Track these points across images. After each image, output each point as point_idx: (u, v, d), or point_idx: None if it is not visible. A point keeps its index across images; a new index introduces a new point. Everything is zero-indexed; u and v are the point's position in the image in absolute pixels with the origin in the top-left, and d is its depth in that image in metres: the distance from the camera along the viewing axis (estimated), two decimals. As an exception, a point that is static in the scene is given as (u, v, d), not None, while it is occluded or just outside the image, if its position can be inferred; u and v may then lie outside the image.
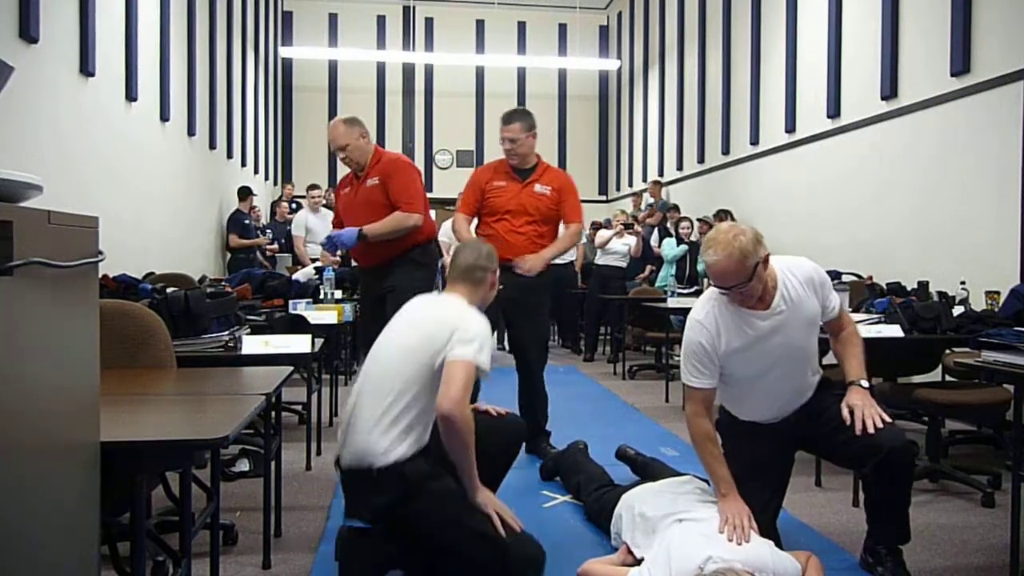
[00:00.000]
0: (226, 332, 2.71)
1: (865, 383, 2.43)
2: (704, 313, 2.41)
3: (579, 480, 3.09)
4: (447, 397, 2.03)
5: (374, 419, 2.11)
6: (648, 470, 3.23)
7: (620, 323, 7.18)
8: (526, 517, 3.00)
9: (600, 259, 7.83)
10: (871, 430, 2.27)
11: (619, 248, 7.76)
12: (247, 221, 8.43)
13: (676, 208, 8.68)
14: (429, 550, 2.16)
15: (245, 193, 8.62)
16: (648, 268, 8.34)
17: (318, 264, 5.07)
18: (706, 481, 2.61)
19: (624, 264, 7.85)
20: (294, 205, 9.70)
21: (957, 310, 3.43)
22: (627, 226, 7.95)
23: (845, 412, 2.34)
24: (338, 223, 3.90)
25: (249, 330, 2.89)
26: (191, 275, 5.52)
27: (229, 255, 8.46)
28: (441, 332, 2.14)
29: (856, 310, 3.52)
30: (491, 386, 3.75)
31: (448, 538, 2.11)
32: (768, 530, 2.35)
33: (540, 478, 3.47)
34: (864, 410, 2.32)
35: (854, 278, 4.98)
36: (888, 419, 2.31)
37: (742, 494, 2.31)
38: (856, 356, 2.51)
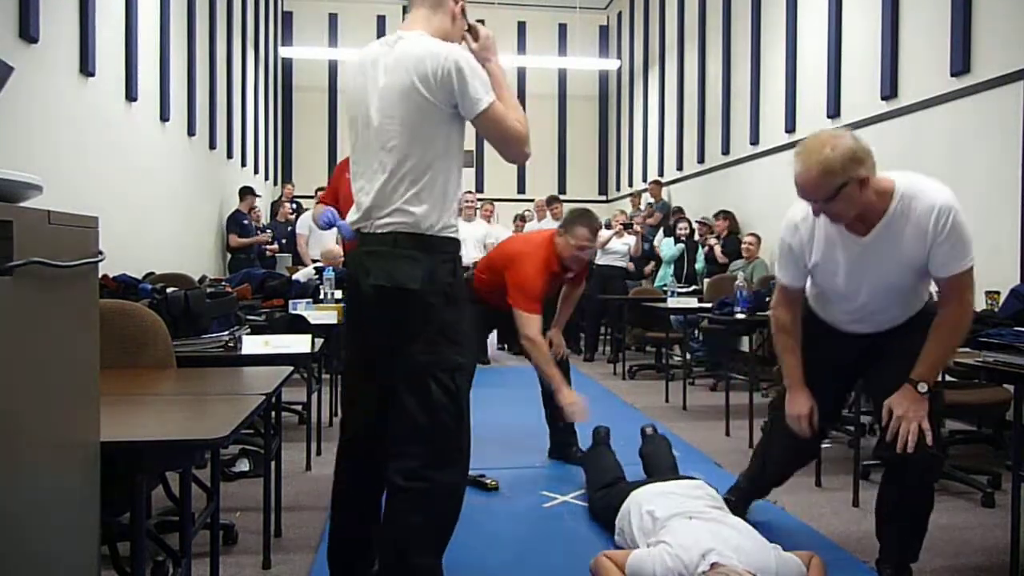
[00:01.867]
0: (226, 332, 2.71)
1: (924, 387, 2.11)
2: (804, 216, 2.23)
3: (589, 474, 3.15)
4: (512, 155, 1.99)
5: (401, 188, 1.93)
6: (655, 449, 3.26)
7: (620, 323, 7.18)
8: (526, 517, 3.03)
9: (600, 259, 7.84)
10: (899, 449, 2.08)
11: (619, 248, 7.77)
12: (246, 221, 8.43)
13: (680, 210, 8.68)
14: (401, 376, 1.95)
15: (244, 193, 8.63)
16: (651, 265, 8.37)
17: (318, 264, 5.07)
18: (715, 487, 2.63)
19: (624, 264, 7.86)
20: (295, 205, 9.70)
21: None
22: (626, 226, 7.95)
23: (885, 412, 2.13)
24: (332, 199, 3.65)
25: (249, 330, 2.89)
26: (191, 275, 5.52)
27: (229, 255, 8.46)
28: (412, 93, 1.89)
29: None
30: (497, 388, 3.75)
31: (433, 370, 1.93)
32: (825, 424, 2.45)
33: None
34: (904, 422, 2.08)
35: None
36: (928, 438, 2.09)
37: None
38: (933, 351, 2.12)
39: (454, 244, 1.98)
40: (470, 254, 7.27)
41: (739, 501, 2.80)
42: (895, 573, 2.31)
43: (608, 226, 8.47)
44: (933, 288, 2.28)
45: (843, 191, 2.02)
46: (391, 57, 1.96)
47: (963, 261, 2.08)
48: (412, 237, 1.92)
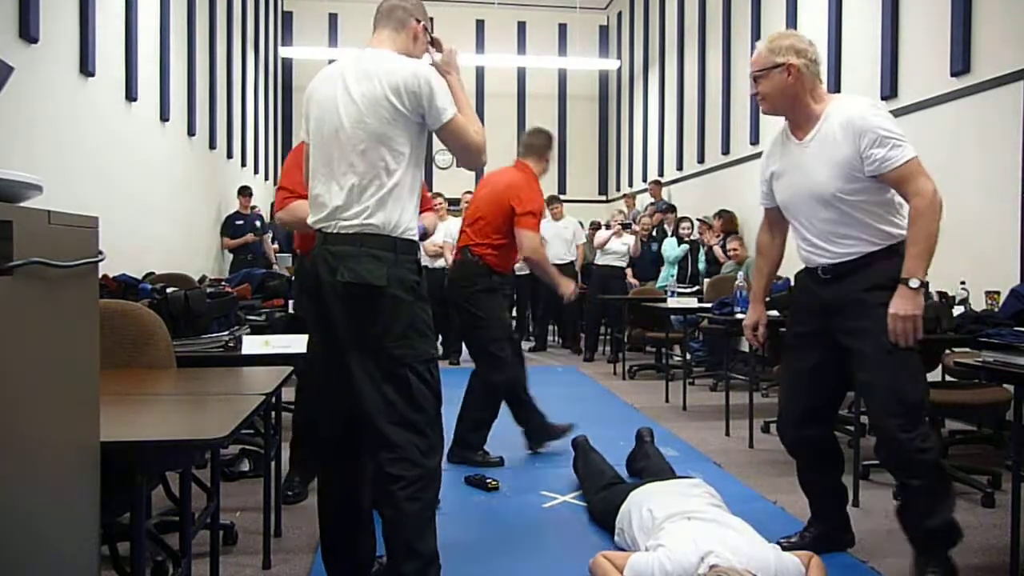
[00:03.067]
0: (226, 332, 2.71)
1: (915, 282, 2.17)
2: (776, 134, 2.50)
3: (586, 483, 3.13)
4: (470, 162, 2.18)
5: (370, 190, 2.02)
6: (646, 457, 3.27)
7: (620, 323, 7.18)
8: (526, 517, 3.03)
9: (600, 259, 7.84)
10: (902, 344, 2.16)
11: (618, 248, 7.76)
12: (239, 222, 8.45)
13: (672, 208, 8.70)
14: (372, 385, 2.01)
15: (239, 193, 8.65)
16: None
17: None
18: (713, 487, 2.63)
19: (624, 263, 7.85)
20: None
21: (957, 310, 3.42)
22: (625, 226, 7.95)
23: (889, 321, 2.17)
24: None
25: (249, 330, 2.89)
26: (191, 275, 5.53)
27: (231, 256, 8.49)
28: (382, 103, 2.01)
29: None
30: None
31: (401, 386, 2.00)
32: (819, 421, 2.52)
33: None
34: (899, 321, 2.16)
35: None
36: (918, 337, 2.17)
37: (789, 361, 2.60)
38: (913, 243, 2.19)
39: (414, 245, 2.10)
40: None
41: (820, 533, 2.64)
42: (930, 562, 2.25)
43: (607, 226, 8.47)
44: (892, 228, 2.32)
45: (774, 72, 2.28)
46: (360, 68, 2.07)
47: (899, 153, 2.21)
48: (377, 238, 2.02)
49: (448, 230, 7.38)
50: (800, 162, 2.35)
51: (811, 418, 2.51)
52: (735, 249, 6.69)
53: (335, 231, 2.05)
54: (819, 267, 2.39)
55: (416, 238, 2.11)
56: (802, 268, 2.53)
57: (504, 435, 3.82)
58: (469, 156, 2.17)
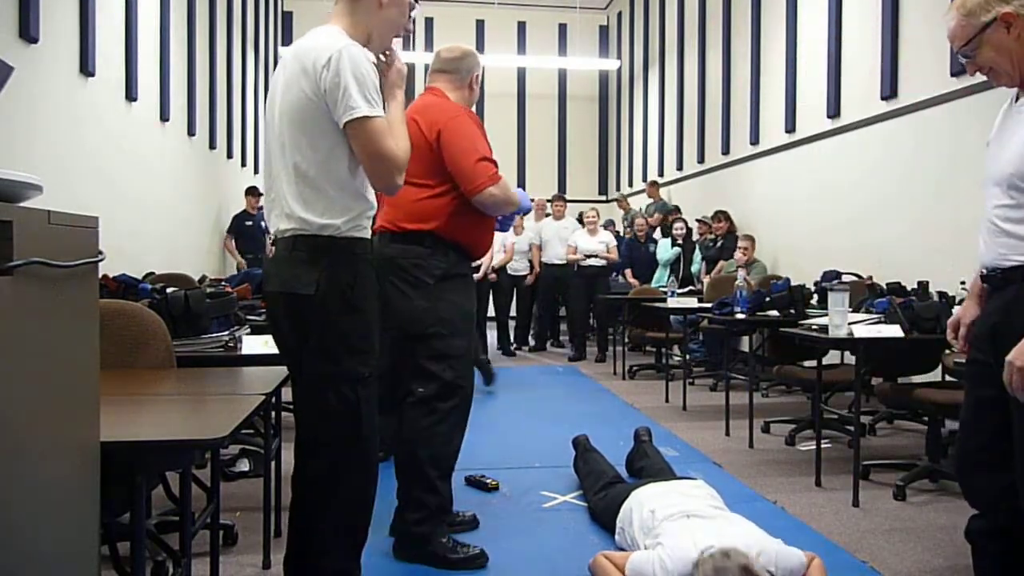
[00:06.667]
0: (226, 332, 2.71)
1: None
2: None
3: (586, 482, 3.14)
4: (382, 177, 1.84)
5: (294, 190, 1.86)
6: (645, 456, 3.28)
7: (615, 323, 7.18)
8: (526, 517, 3.03)
9: (583, 261, 7.84)
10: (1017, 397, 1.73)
11: (595, 247, 7.78)
12: (248, 222, 8.47)
13: (677, 209, 8.68)
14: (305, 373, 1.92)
15: (247, 192, 8.67)
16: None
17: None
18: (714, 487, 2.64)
19: (604, 263, 7.83)
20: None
21: (957, 310, 3.42)
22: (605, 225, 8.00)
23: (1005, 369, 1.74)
24: None
25: (249, 330, 2.89)
26: (191, 275, 5.53)
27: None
28: (294, 88, 1.82)
29: (856, 310, 3.51)
30: (496, 389, 3.75)
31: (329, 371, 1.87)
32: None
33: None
34: (1013, 375, 1.70)
35: (854, 278, 4.98)
36: None
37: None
38: None
39: (359, 245, 1.89)
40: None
41: None
42: None
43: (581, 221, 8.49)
44: None
45: (986, 34, 1.83)
46: (292, 50, 1.90)
47: None
48: (309, 240, 1.84)
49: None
50: (1004, 129, 1.91)
51: (988, 462, 1.96)
52: (746, 249, 6.59)
53: (278, 236, 1.93)
54: (982, 268, 1.97)
55: (364, 235, 1.92)
56: None
57: (504, 435, 3.83)
58: (380, 167, 1.83)
